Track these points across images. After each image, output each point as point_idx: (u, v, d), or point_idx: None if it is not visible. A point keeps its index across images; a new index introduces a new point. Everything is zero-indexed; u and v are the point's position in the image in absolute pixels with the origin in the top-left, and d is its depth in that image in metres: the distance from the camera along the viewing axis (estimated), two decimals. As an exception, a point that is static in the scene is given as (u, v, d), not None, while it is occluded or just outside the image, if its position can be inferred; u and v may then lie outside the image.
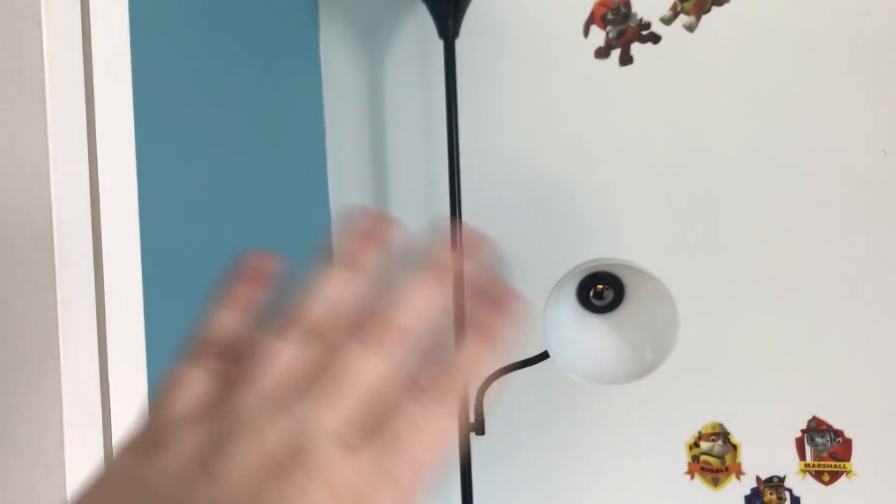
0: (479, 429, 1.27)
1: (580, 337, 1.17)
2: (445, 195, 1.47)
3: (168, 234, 1.01)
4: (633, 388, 1.39)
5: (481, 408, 1.27)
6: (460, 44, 1.43)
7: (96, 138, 0.78)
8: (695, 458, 1.39)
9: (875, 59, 1.30)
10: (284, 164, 1.37)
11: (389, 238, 0.37)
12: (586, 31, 1.41)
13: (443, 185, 1.48)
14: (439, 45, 1.43)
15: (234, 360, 0.33)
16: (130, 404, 0.78)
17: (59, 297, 0.69)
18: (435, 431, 0.32)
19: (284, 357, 0.33)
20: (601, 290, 1.18)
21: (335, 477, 0.29)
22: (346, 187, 1.54)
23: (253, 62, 1.28)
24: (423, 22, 1.47)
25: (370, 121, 1.52)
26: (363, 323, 0.34)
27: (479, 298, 0.36)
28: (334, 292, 0.35)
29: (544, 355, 1.17)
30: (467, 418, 1.28)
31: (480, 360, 0.35)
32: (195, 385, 0.33)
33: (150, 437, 0.31)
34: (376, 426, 0.31)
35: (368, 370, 0.32)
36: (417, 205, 1.50)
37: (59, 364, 0.68)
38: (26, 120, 0.72)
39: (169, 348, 1.00)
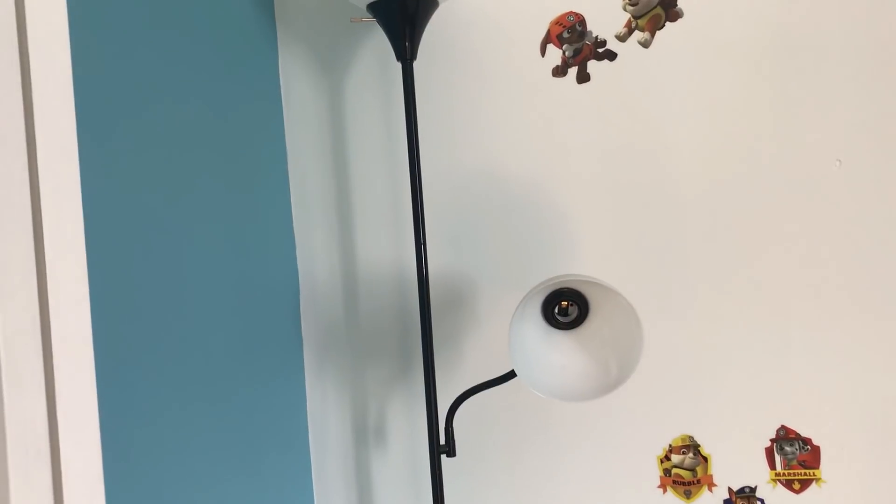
0: (450, 451, 1.26)
1: (546, 354, 1.17)
2: (409, 213, 1.47)
3: (119, 265, 1.00)
4: (601, 403, 1.39)
5: (450, 429, 1.26)
6: (418, 65, 1.44)
7: (37, 162, 0.76)
8: (666, 472, 1.39)
9: (823, 69, 1.32)
10: (246, 190, 1.36)
11: None
12: (543, 51, 1.42)
13: (406, 204, 1.47)
14: (397, 67, 1.44)
15: None
16: (82, 444, 0.75)
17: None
18: None
19: None
20: (566, 307, 1.18)
21: None
22: (309, 208, 1.53)
23: (212, 90, 1.27)
24: (381, 45, 1.48)
25: (332, 143, 1.52)
26: None
27: None
28: None
29: (511, 374, 1.17)
30: (437, 440, 1.26)
31: None
32: None
33: None
34: None
35: None
36: (381, 224, 1.50)
37: (2, 404, 0.65)
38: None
39: (120, 380, 0.97)
